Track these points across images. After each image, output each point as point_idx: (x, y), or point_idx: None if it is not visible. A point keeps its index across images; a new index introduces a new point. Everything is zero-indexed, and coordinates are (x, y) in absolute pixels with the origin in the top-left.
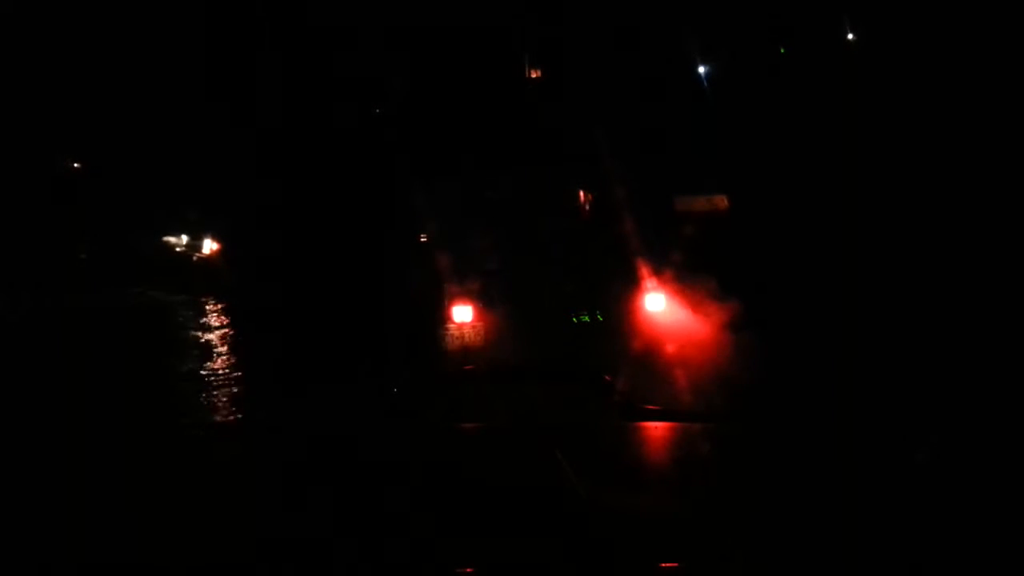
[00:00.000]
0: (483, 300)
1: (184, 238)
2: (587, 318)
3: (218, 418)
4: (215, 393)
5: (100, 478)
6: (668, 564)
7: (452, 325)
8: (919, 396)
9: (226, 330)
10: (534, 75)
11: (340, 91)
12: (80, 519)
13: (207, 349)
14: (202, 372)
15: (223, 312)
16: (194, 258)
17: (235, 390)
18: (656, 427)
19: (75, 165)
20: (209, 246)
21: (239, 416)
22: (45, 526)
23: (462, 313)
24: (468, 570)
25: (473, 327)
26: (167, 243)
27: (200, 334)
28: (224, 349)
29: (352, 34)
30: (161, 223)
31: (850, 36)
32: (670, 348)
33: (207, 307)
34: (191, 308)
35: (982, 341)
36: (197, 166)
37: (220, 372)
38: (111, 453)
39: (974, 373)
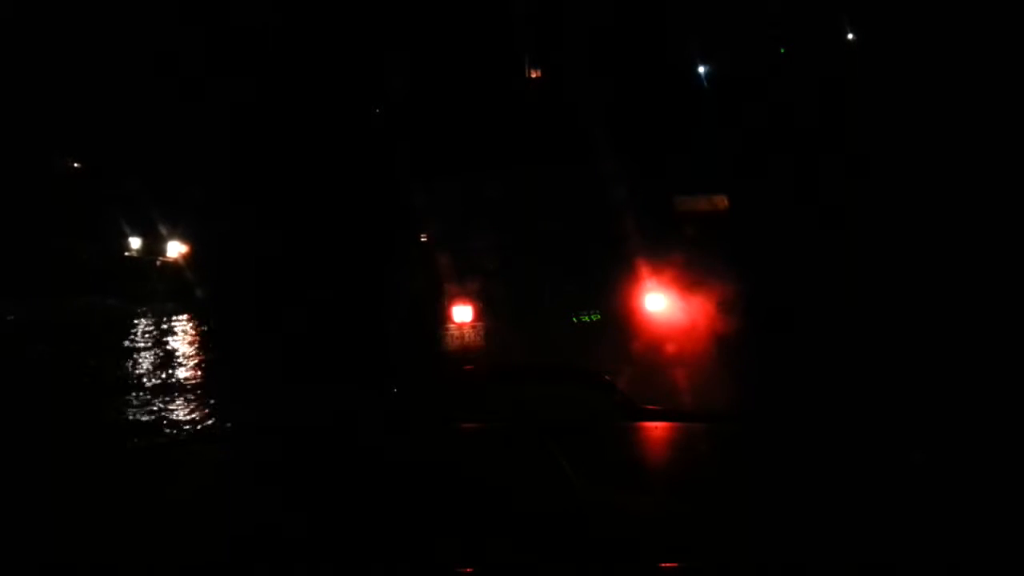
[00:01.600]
0: (483, 300)
1: (137, 241)
2: (587, 318)
3: (209, 420)
4: (204, 394)
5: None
6: (668, 564)
7: (452, 325)
8: (919, 396)
9: (203, 335)
10: (534, 75)
11: (340, 91)
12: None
13: (183, 353)
14: (183, 372)
15: (197, 321)
16: (157, 263)
17: (226, 391)
18: (656, 427)
19: (75, 165)
20: (177, 249)
21: (233, 417)
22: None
23: (462, 313)
24: (468, 570)
25: (473, 327)
26: (122, 247)
27: (172, 341)
28: (203, 351)
29: (352, 34)
30: (117, 225)
31: (850, 36)
32: (670, 348)
33: (176, 316)
34: (154, 317)
35: (982, 341)
36: (175, 166)
37: (205, 371)
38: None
39: (974, 373)
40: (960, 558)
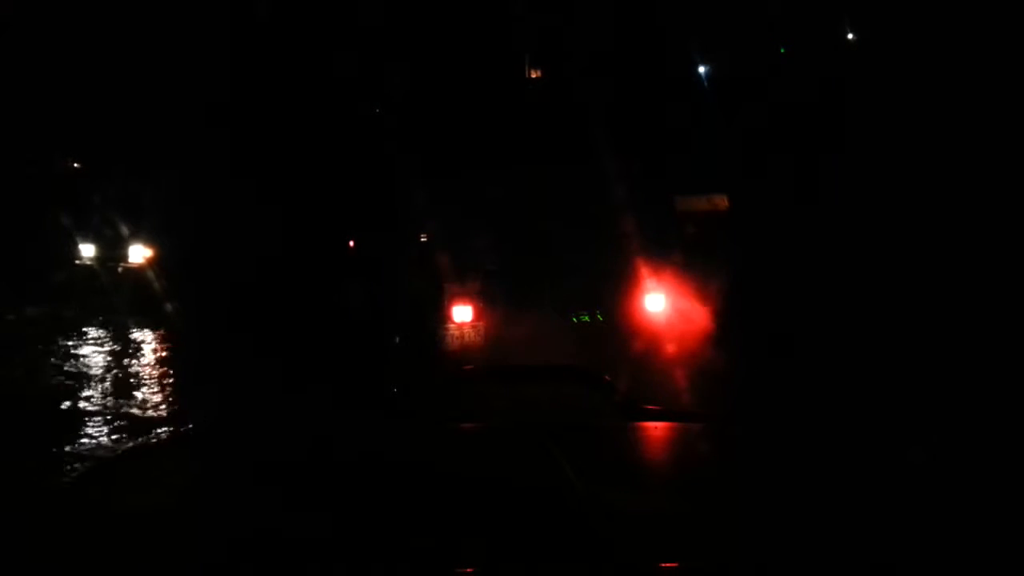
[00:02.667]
0: (483, 300)
1: (90, 248)
2: (587, 318)
3: (209, 420)
4: (198, 397)
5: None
6: (668, 564)
7: (452, 325)
8: (920, 394)
9: (178, 350)
10: (534, 75)
11: (339, 90)
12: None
13: (163, 360)
14: (170, 375)
15: (169, 336)
16: (119, 270)
17: (222, 392)
18: (656, 427)
19: (75, 165)
20: (141, 254)
21: (231, 417)
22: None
23: (462, 313)
24: (468, 570)
25: (473, 327)
26: (72, 252)
27: (149, 349)
28: (184, 366)
29: (352, 33)
30: (70, 227)
31: (850, 36)
32: (670, 348)
33: (145, 325)
34: (121, 328)
35: (982, 339)
36: (162, 164)
37: (195, 375)
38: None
39: (974, 372)
40: (961, 557)
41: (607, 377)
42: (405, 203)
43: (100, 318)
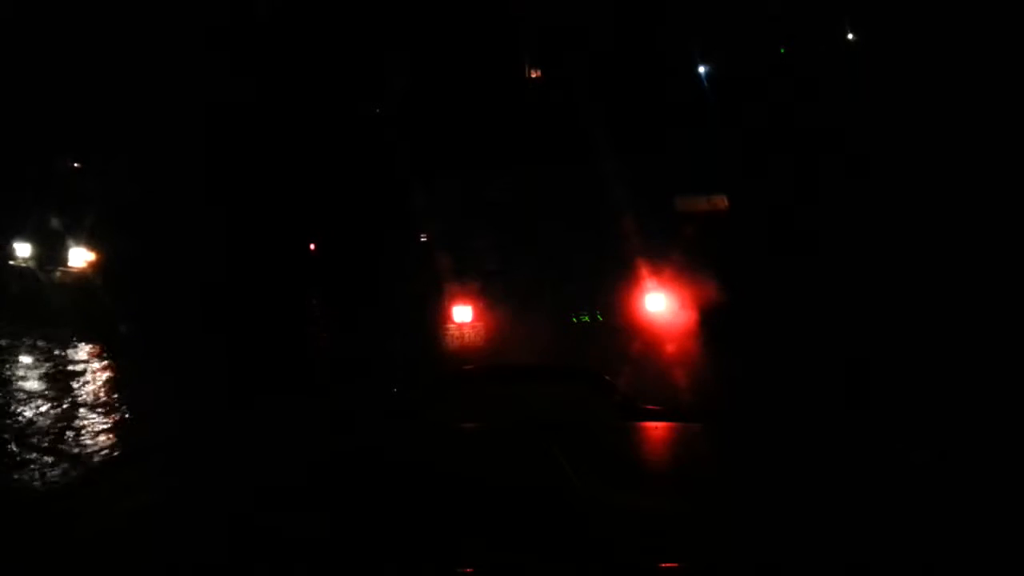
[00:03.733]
0: (483, 300)
1: (25, 248)
2: (587, 318)
3: (209, 418)
4: (192, 399)
5: None
6: (668, 564)
7: (452, 325)
8: (920, 395)
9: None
10: (534, 75)
11: (339, 90)
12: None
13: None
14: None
15: (115, 342)
16: (57, 274)
17: (219, 392)
18: (656, 427)
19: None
20: (83, 257)
21: (231, 417)
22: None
23: (462, 313)
24: (468, 570)
25: (473, 327)
26: (10, 253)
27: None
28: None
29: (352, 33)
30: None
31: (850, 36)
32: (670, 348)
33: (86, 336)
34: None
35: (981, 338)
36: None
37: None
38: None
39: (975, 372)
40: (961, 556)
41: (607, 377)
42: (405, 203)
43: (39, 330)
